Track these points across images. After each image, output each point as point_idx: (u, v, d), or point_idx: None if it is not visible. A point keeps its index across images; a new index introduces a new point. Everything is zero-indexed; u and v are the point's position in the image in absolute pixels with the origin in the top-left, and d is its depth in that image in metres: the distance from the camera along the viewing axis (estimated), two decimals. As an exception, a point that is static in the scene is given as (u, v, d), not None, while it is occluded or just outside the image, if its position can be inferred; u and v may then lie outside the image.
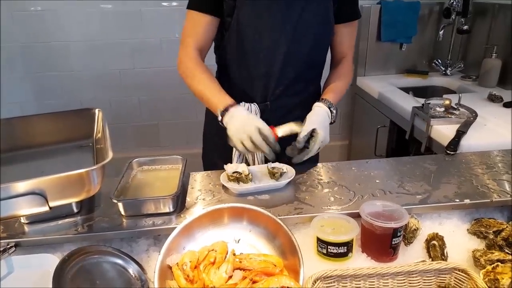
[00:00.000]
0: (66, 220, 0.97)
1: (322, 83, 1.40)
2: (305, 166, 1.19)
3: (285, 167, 1.13)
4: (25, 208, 0.51)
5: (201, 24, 1.21)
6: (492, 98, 1.77)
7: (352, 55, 1.36)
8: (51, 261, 0.86)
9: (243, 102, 1.27)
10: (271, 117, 1.30)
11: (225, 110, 1.12)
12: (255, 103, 1.28)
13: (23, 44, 2.55)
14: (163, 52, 2.59)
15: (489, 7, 2.13)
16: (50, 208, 0.52)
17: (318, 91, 1.40)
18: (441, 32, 2.21)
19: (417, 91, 2.10)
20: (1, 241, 0.91)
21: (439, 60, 2.42)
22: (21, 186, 0.48)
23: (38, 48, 2.56)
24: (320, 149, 1.17)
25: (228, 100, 1.15)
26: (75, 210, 0.99)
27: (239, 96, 1.29)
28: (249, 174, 1.09)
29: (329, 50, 1.35)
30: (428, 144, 1.56)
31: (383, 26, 2.34)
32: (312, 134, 1.13)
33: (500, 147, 1.31)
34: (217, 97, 1.16)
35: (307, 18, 1.19)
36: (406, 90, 2.16)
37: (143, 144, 2.85)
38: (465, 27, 2.04)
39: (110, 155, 0.58)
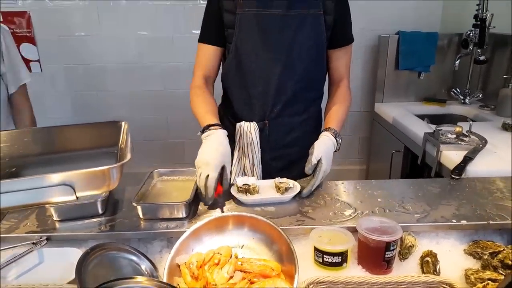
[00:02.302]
0: (92, 220, 1.09)
1: (322, 106, 1.48)
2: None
3: (291, 182, 1.21)
4: (57, 197, 0.62)
5: (206, 54, 1.38)
6: (506, 127, 1.79)
7: (348, 78, 1.43)
8: (76, 254, 0.97)
9: (243, 122, 1.37)
10: (271, 136, 1.39)
11: (203, 130, 1.23)
12: (254, 122, 1.37)
13: (66, 65, 2.82)
14: (191, 75, 2.76)
15: (509, 39, 2.16)
16: (77, 198, 0.63)
17: (319, 114, 1.48)
18: (457, 62, 2.26)
19: (435, 119, 2.13)
20: (35, 234, 1.04)
21: (457, 89, 2.45)
22: (55, 177, 0.60)
23: (79, 69, 2.82)
24: (323, 178, 1.23)
25: (208, 120, 1.24)
26: (100, 211, 1.11)
27: (239, 115, 1.40)
28: (256, 186, 1.18)
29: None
30: (438, 169, 1.59)
31: (401, 55, 2.42)
32: (317, 163, 1.20)
33: (507, 174, 1.33)
34: (202, 118, 1.27)
35: (300, 40, 1.29)
36: (423, 117, 2.20)
37: (169, 160, 3.00)
38: (482, 58, 2.08)
39: (129, 156, 0.69)
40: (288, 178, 1.23)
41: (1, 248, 0.99)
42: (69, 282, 0.89)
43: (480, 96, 2.36)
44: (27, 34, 2.75)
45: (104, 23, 2.74)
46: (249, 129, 1.37)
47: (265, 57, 1.30)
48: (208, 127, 1.22)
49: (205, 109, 1.30)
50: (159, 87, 2.85)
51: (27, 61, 2.74)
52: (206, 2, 1.34)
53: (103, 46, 2.79)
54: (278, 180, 1.22)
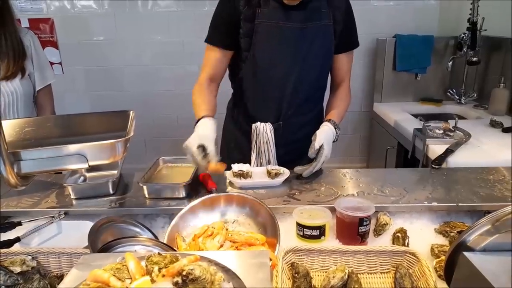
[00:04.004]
0: (104, 198, 1.24)
1: (324, 103, 1.60)
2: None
3: (282, 169, 1.34)
4: (73, 164, 0.76)
5: (214, 58, 1.44)
6: (493, 124, 1.89)
7: (349, 79, 1.54)
8: (89, 226, 1.11)
9: (258, 122, 1.48)
10: (284, 134, 1.51)
11: (197, 121, 1.34)
12: (269, 123, 1.48)
13: (85, 67, 3.03)
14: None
15: (503, 41, 2.25)
16: (89, 166, 0.77)
17: (321, 110, 1.60)
18: (449, 63, 2.35)
19: (430, 118, 2.20)
20: (55, 209, 1.19)
21: (453, 90, 2.54)
22: (71, 147, 0.75)
23: (97, 71, 3.02)
24: (323, 163, 1.35)
25: (200, 113, 1.35)
26: (111, 191, 1.26)
27: (254, 117, 1.50)
28: (249, 172, 1.31)
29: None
30: (425, 162, 1.70)
31: (398, 58, 2.53)
32: (319, 148, 1.33)
33: (485, 165, 1.41)
34: (196, 113, 1.38)
35: (314, 51, 1.39)
36: (420, 116, 2.30)
37: (178, 155, 3.16)
38: (474, 59, 2.17)
39: (131, 134, 0.84)
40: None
41: (25, 221, 1.15)
42: (83, 248, 1.04)
43: (475, 96, 2.45)
44: (51, 39, 2.97)
45: (121, 29, 2.94)
46: (265, 130, 1.48)
47: (282, 66, 1.40)
48: (199, 119, 1.32)
49: (200, 104, 1.39)
50: (170, 87, 3.03)
51: (50, 64, 2.94)
52: (213, 8, 1.42)
53: (120, 50, 2.98)
54: (270, 166, 1.35)
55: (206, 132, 1.27)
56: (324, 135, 1.35)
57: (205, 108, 1.37)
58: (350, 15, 1.44)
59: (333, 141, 1.40)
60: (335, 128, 1.40)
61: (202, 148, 1.22)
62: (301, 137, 1.52)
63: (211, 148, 1.23)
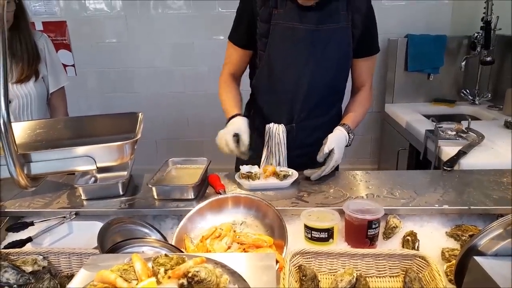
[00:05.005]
0: (114, 199, 1.26)
1: (343, 105, 1.57)
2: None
3: (291, 171, 1.34)
4: (82, 166, 0.77)
5: (235, 55, 1.50)
6: (508, 125, 1.85)
7: (371, 83, 1.51)
8: (100, 227, 1.14)
9: (271, 123, 1.47)
10: (297, 136, 1.50)
11: (229, 119, 1.42)
12: (282, 125, 1.47)
13: (98, 69, 3.07)
14: (210, 78, 2.95)
15: (518, 40, 2.20)
16: (97, 168, 0.79)
17: (339, 114, 1.57)
18: (463, 63, 2.31)
19: (443, 119, 2.17)
20: (66, 210, 1.21)
21: (467, 90, 2.50)
22: (79, 150, 0.76)
23: (109, 73, 3.06)
24: (333, 167, 1.33)
25: (232, 112, 1.43)
26: (121, 192, 1.27)
27: (268, 117, 1.49)
28: (258, 173, 1.31)
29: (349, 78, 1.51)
30: (437, 164, 1.67)
31: (410, 58, 2.50)
32: (329, 152, 1.32)
33: (499, 167, 1.38)
34: (226, 111, 1.46)
35: (329, 53, 1.37)
36: (433, 117, 2.26)
37: (189, 157, 3.18)
38: (488, 59, 2.13)
39: (139, 136, 0.85)
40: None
41: (37, 221, 1.17)
42: (93, 249, 1.05)
43: (489, 96, 2.40)
44: (64, 42, 3.02)
45: (132, 31, 2.98)
46: (277, 131, 1.46)
47: (296, 68, 1.39)
48: (230, 118, 1.41)
49: (230, 102, 1.47)
50: (180, 89, 3.05)
51: (63, 66, 3.00)
52: (224, 10, 1.46)
53: (131, 52, 3.02)
54: (278, 168, 1.35)
55: (240, 125, 1.36)
56: (336, 139, 1.33)
57: (236, 106, 1.45)
58: (371, 19, 1.40)
59: (346, 146, 1.39)
60: (348, 133, 1.38)
61: (237, 137, 1.33)
62: (315, 141, 1.48)
63: (245, 137, 1.33)
